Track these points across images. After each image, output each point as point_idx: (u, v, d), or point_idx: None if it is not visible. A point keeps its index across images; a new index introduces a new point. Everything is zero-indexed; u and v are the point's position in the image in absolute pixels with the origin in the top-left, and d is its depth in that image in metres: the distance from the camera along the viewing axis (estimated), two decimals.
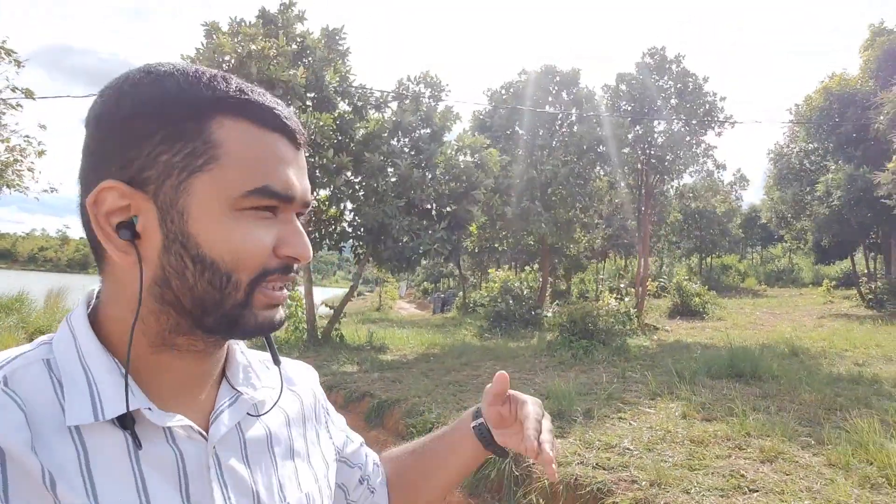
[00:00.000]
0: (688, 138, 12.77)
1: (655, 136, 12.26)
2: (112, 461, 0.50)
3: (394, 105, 9.63)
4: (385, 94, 9.31)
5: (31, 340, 0.58)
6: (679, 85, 11.91)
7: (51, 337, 0.56)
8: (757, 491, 3.20)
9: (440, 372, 7.34)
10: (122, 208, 0.51)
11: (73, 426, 0.49)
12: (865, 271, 18.76)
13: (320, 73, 8.20)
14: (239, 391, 0.61)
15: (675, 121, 12.35)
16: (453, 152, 8.65)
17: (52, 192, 12.65)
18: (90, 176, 0.52)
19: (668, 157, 12.80)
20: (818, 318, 14.54)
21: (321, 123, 8.04)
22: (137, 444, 0.51)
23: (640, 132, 12.49)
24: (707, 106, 12.10)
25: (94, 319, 0.56)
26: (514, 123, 12.35)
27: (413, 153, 8.94)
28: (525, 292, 12.65)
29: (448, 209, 9.06)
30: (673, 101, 12.68)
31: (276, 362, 0.65)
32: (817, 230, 17.09)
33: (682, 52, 11.91)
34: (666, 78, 12.44)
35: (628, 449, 3.99)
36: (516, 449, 0.78)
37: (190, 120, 0.51)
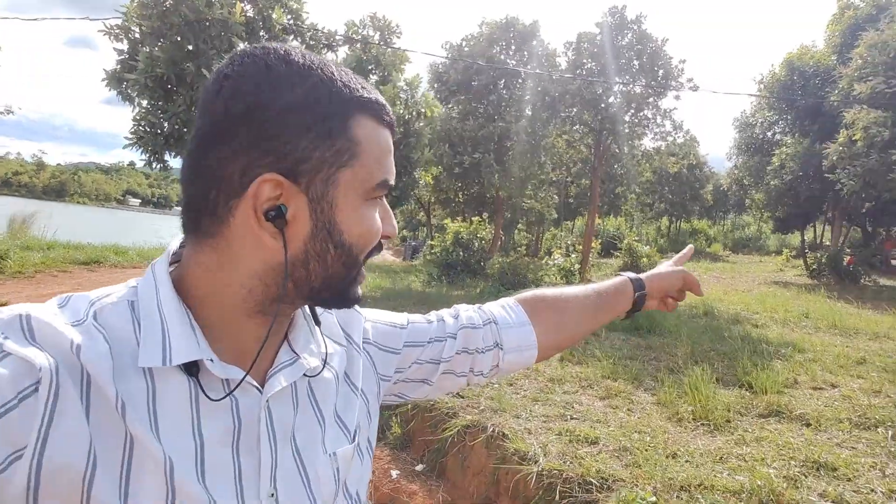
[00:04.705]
0: (651, 99, 12.97)
1: (612, 98, 12.41)
2: (175, 402, 0.55)
3: (345, 48, 9.66)
4: (333, 33, 9.31)
5: None
6: (638, 46, 11.99)
7: (138, 280, 0.60)
8: (577, 419, 3.68)
9: None
10: (273, 197, 0.55)
11: (145, 367, 0.54)
12: (815, 243, 19.46)
13: (267, 11, 8.20)
14: (297, 354, 0.66)
15: (633, 83, 12.48)
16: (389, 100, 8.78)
17: (7, 114, 12.49)
18: (236, 159, 0.54)
19: (625, 119, 13.01)
20: (757, 285, 15.20)
21: None
22: (204, 392, 0.57)
23: (598, 93, 12.63)
24: (664, 70, 12.22)
25: (178, 273, 0.60)
26: (472, 77, 12.41)
27: None
28: (476, 244, 13.01)
29: None
30: (635, 62, 12.76)
31: (317, 323, 0.71)
32: (770, 202, 17.57)
33: (644, 13, 11.93)
34: (629, 38, 12.49)
35: (492, 383, 4.44)
36: (658, 308, 1.04)
37: (337, 118, 0.56)
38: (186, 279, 0.59)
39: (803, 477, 2.86)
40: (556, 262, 12.98)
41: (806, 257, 18.51)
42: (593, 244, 14.53)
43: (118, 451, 0.51)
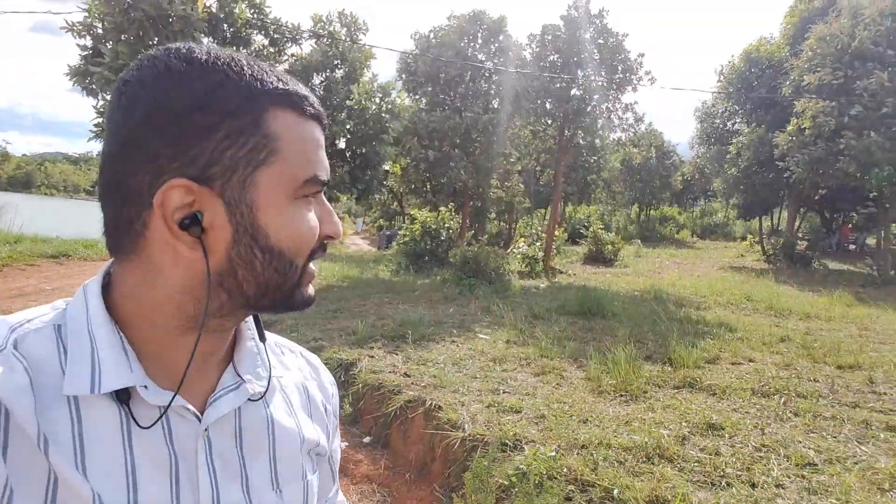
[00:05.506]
0: (611, 93, 13.40)
1: (574, 90, 12.81)
2: (104, 434, 0.51)
3: (311, 42, 9.87)
4: (297, 27, 9.49)
5: None
6: (600, 41, 12.39)
7: (68, 301, 0.57)
8: (508, 392, 4.07)
9: (331, 301, 8.05)
10: (186, 205, 0.51)
11: (70, 396, 0.50)
12: (773, 229, 20.27)
13: (230, 5, 8.36)
14: (242, 378, 0.62)
15: (595, 76, 12.89)
16: (362, 98, 9.06)
17: None
18: (142, 170, 0.51)
19: (587, 110, 13.43)
20: (714, 270, 15.87)
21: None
22: (135, 421, 0.52)
23: (562, 84, 13.00)
24: (623, 65, 12.64)
25: (108, 295, 0.56)
26: (440, 69, 12.70)
27: (324, 93, 9.32)
28: (444, 234, 13.35)
29: (359, 150, 9.55)
30: (596, 55, 13.15)
31: (262, 339, 0.66)
32: (728, 189, 18.25)
33: (606, 8, 12.34)
34: (592, 32, 12.86)
35: (438, 363, 4.81)
36: None
37: (248, 114, 0.52)
38: (115, 301, 0.55)
39: (692, 436, 3.29)
40: (520, 249, 13.41)
41: (763, 243, 19.30)
42: (558, 232, 15.00)
43: (40, 490, 0.47)
